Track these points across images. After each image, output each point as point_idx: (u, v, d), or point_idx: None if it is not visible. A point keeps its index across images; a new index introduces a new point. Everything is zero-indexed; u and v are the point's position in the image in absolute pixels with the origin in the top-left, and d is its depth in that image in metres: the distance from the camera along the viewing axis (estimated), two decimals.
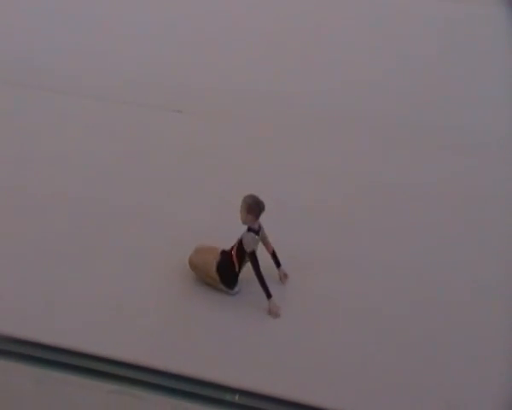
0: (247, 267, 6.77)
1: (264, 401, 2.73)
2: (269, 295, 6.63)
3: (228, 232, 7.11)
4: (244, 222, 6.72)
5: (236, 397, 2.74)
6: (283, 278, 7.05)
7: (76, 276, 7.09)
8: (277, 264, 7.00)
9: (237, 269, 6.81)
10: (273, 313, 6.67)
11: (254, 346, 6.45)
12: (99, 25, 12.19)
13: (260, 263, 6.66)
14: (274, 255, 6.98)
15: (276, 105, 9.91)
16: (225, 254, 6.89)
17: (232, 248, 6.84)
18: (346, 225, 7.87)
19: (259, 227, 6.79)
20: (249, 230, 6.73)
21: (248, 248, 6.65)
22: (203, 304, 6.82)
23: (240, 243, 6.75)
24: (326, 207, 8.13)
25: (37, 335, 2.71)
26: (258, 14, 12.48)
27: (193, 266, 7.01)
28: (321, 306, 6.88)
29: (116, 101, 10.07)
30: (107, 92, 10.23)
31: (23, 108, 9.89)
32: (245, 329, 6.61)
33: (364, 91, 10.36)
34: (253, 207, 6.64)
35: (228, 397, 2.76)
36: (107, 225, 7.75)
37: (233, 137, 9.27)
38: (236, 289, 6.88)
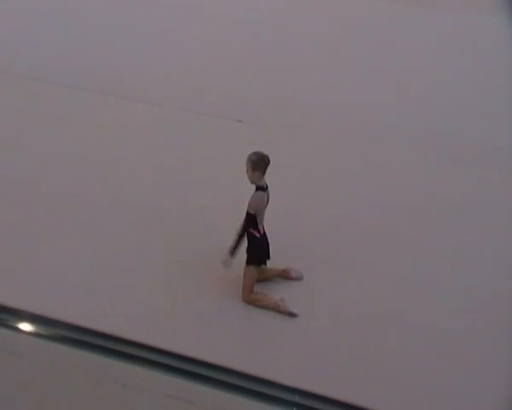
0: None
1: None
2: (232, 254, 6.67)
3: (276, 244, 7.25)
4: (252, 181, 6.72)
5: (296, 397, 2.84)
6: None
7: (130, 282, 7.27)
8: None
9: (259, 234, 6.77)
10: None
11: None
12: (165, 33, 12.45)
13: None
14: None
15: (330, 117, 10.00)
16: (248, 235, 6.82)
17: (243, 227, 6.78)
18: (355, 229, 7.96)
19: (266, 186, 6.76)
20: (257, 189, 6.72)
21: (252, 210, 6.64)
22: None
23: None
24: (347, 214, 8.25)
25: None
26: (315, 24, 12.59)
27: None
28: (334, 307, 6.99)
29: (178, 108, 10.28)
30: (171, 100, 10.46)
31: (82, 112, 10.16)
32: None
33: (378, 105, 10.44)
34: (258, 162, 6.64)
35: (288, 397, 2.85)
36: (167, 231, 7.92)
37: (290, 147, 9.39)
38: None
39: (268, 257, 6.96)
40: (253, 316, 6.83)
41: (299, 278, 7.23)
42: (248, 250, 6.84)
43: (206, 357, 2.92)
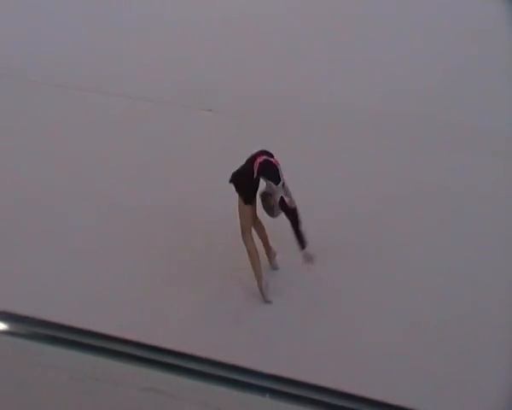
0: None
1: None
2: (302, 247, 6.59)
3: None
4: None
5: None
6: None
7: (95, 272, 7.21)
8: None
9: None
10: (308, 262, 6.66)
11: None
12: (128, 26, 12.34)
13: None
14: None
15: (302, 106, 9.95)
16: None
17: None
18: (360, 224, 7.92)
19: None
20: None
21: (293, 204, 6.60)
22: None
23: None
24: (342, 205, 8.20)
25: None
26: (288, 18, 12.55)
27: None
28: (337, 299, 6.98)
29: (148, 100, 10.20)
30: (139, 92, 10.38)
31: (55, 108, 10.05)
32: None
33: (373, 91, 10.40)
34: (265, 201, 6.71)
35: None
36: (132, 223, 7.88)
37: (260, 135, 9.33)
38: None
39: (250, 201, 6.86)
40: (224, 306, 6.81)
41: (275, 268, 7.23)
42: (240, 176, 6.82)
43: (181, 348, 2.87)
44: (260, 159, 6.70)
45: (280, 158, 6.85)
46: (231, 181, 6.81)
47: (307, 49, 11.53)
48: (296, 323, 6.72)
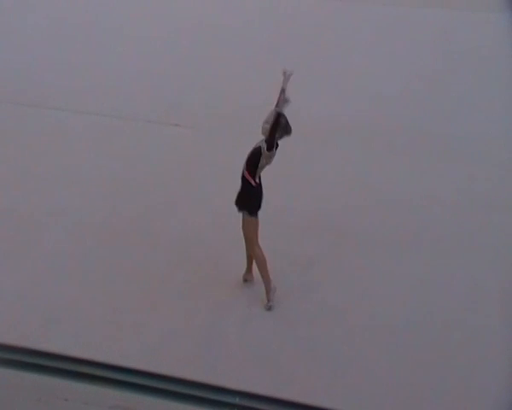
0: None
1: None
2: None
3: (226, 240, 7.34)
4: (264, 134, 6.58)
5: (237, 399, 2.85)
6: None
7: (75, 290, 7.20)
8: None
9: (254, 182, 6.68)
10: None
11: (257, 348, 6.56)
12: (97, 41, 12.35)
13: None
14: None
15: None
16: (243, 182, 6.75)
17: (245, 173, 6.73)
18: (347, 234, 7.97)
19: (277, 146, 6.65)
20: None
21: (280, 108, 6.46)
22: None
23: (249, 158, 6.65)
24: (325, 215, 8.24)
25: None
26: (253, 31, 12.65)
27: None
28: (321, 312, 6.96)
29: (113, 116, 10.20)
30: (106, 108, 10.38)
31: (23, 126, 10.02)
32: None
33: (365, 100, 10.57)
34: (283, 127, 6.55)
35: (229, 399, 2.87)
36: (108, 238, 7.85)
37: (227, 149, 9.39)
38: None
39: (256, 213, 6.78)
40: (189, 324, 6.80)
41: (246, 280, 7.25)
42: (242, 196, 6.73)
43: (147, 367, 2.91)
44: (246, 172, 6.69)
45: (238, 172, 6.83)
46: (239, 209, 6.77)
47: (274, 63, 11.57)
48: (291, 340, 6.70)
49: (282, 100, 6.49)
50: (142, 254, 7.60)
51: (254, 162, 6.61)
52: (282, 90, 6.51)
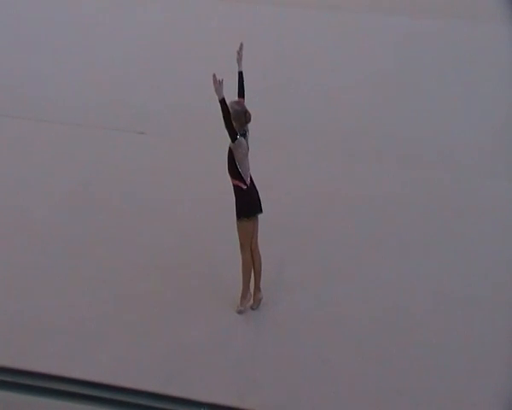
0: None
1: None
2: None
3: (196, 250, 7.29)
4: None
5: None
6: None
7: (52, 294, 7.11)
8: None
9: (244, 184, 6.60)
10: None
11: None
12: (61, 49, 12.25)
13: None
14: None
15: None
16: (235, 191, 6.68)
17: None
18: (316, 237, 7.99)
19: (245, 131, 6.61)
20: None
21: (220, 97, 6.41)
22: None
23: (227, 164, 6.61)
24: (293, 219, 8.24)
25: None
26: (218, 37, 12.62)
27: None
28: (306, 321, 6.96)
29: (78, 125, 10.13)
30: (71, 116, 10.31)
31: None
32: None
33: (338, 107, 10.59)
34: (238, 114, 6.52)
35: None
36: (73, 249, 7.78)
37: (193, 156, 9.37)
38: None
39: (260, 210, 6.73)
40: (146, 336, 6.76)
41: (252, 308, 7.07)
42: (237, 203, 6.65)
43: (114, 380, 2.87)
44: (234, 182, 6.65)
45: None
46: (239, 217, 6.67)
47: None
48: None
49: (217, 85, 6.41)
50: (109, 264, 7.54)
51: (232, 164, 6.57)
52: (214, 77, 6.43)
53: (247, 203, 6.64)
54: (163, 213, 8.33)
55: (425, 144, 9.74)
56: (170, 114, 10.34)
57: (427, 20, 12.95)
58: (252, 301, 7.00)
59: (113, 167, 9.21)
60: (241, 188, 6.58)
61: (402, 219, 8.31)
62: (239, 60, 6.81)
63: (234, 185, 6.61)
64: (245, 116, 6.53)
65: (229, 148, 6.54)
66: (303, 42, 12.52)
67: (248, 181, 6.61)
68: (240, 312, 6.92)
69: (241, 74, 6.77)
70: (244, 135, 6.56)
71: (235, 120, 6.45)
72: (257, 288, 6.98)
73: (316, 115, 10.41)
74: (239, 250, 6.79)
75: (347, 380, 6.28)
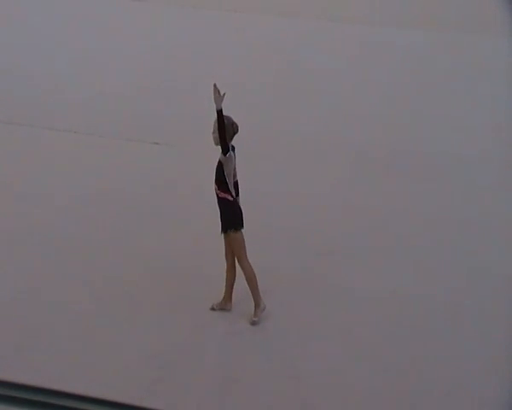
0: None
1: None
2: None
3: (205, 258, 7.35)
4: (216, 143, 6.68)
5: None
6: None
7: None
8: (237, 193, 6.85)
9: (231, 196, 6.67)
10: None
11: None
12: (77, 58, 12.35)
13: None
14: (236, 186, 6.85)
15: (247, 136, 9.98)
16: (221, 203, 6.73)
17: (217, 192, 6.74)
18: (332, 250, 8.01)
19: (233, 147, 6.70)
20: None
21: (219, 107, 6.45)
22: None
23: (216, 176, 6.68)
24: (309, 229, 8.27)
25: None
26: (232, 48, 12.70)
27: None
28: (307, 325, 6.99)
29: (94, 134, 10.20)
30: (86, 126, 10.38)
31: (4, 144, 9.98)
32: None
33: (352, 120, 10.63)
34: (228, 127, 6.59)
35: None
36: (85, 257, 7.81)
37: (206, 166, 9.37)
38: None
39: (242, 225, 6.76)
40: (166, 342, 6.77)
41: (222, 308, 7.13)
42: (223, 216, 6.71)
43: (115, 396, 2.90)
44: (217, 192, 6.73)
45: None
46: (226, 230, 6.72)
47: (255, 80, 11.66)
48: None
49: (217, 95, 6.49)
50: (121, 272, 7.58)
51: (221, 176, 6.67)
52: (215, 87, 6.51)
53: (234, 215, 6.71)
54: (176, 221, 8.38)
55: (437, 157, 9.75)
56: (184, 125, 10.39)
57: (439, 33, 12.97)
58: (229, 304, 7.03)
59: (127, 177, 9.26)
60: (228, 200, 6.67)
61: (412, 232, 8.32)
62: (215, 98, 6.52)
63: (221, 198, 6.69)
64: (232, 128, 6.66)
65: (219, 160, 6.67)
66: (315, 55, 12.57)
67: (234, 194, 6.70)
68: (253, 323, 6.88)
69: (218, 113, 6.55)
70: (233, 149, 6.68)
71: (227, 132, 6.58)
72: (229, 297, 7.02)
73: (327, 128, 10.46)
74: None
75: (344, 381, 6.31)
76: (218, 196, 6.70)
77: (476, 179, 9.36)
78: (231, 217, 6.71)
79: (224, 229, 6.72)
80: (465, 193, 9.08)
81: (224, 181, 6.65)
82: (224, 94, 6.47)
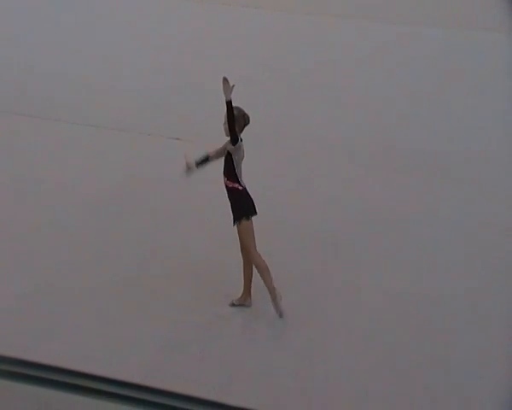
0: None
1: None
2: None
3: (227, 255, 7.31)
4: (227, 134, 6.72)
5: None
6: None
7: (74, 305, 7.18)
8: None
9: (240, 185, 6.71)
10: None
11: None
12: (99, 54, 12.40)
13: None
14: None
15: (267, 134, 10.01)
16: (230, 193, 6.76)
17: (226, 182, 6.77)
18: (347, 249, 8.00)
19: (241, 139, 6.73)
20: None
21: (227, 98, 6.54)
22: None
23: (224, 167, 6.73)
24: (325, 230, 8.26)
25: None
26: (255, 46, 12.71)
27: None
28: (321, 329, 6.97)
29: (115, 129, 10.23)
30: (107, 121, 10.41)
31: (22, 137, 10.02)
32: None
33: (366, 119, 10.58)
34: (237, 118, 6.64)
35: None
36: (106, 252, 7.84)
37: None
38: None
39: (255, 212, 6.76)
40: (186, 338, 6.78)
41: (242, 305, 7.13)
42: (234, 206, 6.73)
43: (145, 381, 2.90)
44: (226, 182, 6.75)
45: (247, 182, 6.86)
46: (237, 219, 6.73)
47: (275, 77, 11.66)
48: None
49: (227, 87, 6.55)
50: (140, 266, 7.60)
51: (230, 167, 6.69)
52: (224, 80, 6.58)
53: (245, 203, 6.71)
54: (196, 216, 8.39)
55: (450, 155, 9.72)
56: (205, 121, 10.37)
57: (457, 32, 12.94)
58: (249, 300, 7.01)
59: (147, 172, 9.28)
60: (238, 189, 6.70)
61: (426, 231, 8.30)
62: (225, 90, 6.62)
63: (230, 188, 6.71)
64: (244, 118, 6.70)
65: (228, 151, 6.69)
66: (332, 52, 12.55)
67: (243, 184, 6.71)
68: (281, 314, 6.82)
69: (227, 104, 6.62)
70: (241, 140, 6.69)
71: (237, 124, 6.61)
72: (248, 293, 7.00)
73: (339, 125, 10.46)
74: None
75: (342, 380, 6.32)
76: (227, 186, 6.74)
77: (489, 178, 9.32)
78: (242, 205, 6.72)
79: (237, 218, 6.71)
80: (478, 192, 9.02)
81: (233, 171, 6.68)
82: (234, 86, 6.52)
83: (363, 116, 10.70)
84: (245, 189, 6.75)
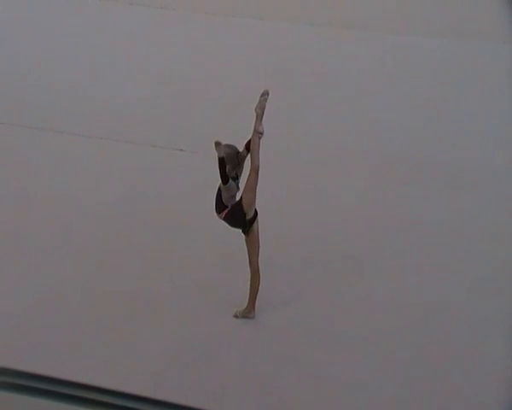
0: None
1: None
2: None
3: (231, 265, 7.36)
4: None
5: None
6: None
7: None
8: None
9: (228, 205, 6.73)
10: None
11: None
12: (103, 65, 12.43)
13: None
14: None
15: (273, 144, 9.96)
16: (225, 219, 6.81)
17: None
18: (351, 260, 8.00)
19: (237, 176, 6.74)
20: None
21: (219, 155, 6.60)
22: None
23: (217, 199, 6.79)
24: (328, 241, 8.25)
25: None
26: (258, 56, 12.72)
27: None
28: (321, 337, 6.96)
29: (119, 140, 10.24)
30: (112, 132, 10.42)
31: (25, 149, 10.03)
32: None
33: (370, 129, 10.59)
34: (231, 156, 6.66)
35: None
36: (106, 265, 7.82)
37: None
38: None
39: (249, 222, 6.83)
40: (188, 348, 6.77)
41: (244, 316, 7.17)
42: (237, 221, 6.77)
43: (146, 392, 2.89)
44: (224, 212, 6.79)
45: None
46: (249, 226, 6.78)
47: (278, 88, 11.63)
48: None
49: (219, 149, 6.65)
50: (146, 278, 7.60)
51: (218, 200, 6.76)
52: (216, 144, 6.68)
53: (242, 212, 6.70)
54: (200, 227, 8.37)
55: (464, 166, 9.71)
56: (208, 131, 10.35)
57: (458, 42, 12.95)
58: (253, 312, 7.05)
59: (152, 183, 9.29)
60: (229, 211, 6.71)
61: (438, 241, 8.32)
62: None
63: (224, 217, 6.74)
64: (237, 157, 6.67)
65: (219, 187, 6.74)
66: (340, 63, 12.56)
67: (228, 202, 6.73)
68: (235, 316, 7.00)
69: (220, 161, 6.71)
70: (235, 178, 6.69)
71: (229, 162, 6.62)
72: (252, 305, 7.02)
73: (353, 136, 10.45)
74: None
75: (344, 385, 6.33)
76: (221, 218, 6.76)
77: (492, 186, 9.33)
78: (242, 217, 6.72)
79: (248, 227, 6.71)
80: (492, 202, 9.01)
81: (222, 204, 6.72)
82: (222, 145, 6.60)
83: (365, 125, 10.67)
84: (231, 205, 6.74)
